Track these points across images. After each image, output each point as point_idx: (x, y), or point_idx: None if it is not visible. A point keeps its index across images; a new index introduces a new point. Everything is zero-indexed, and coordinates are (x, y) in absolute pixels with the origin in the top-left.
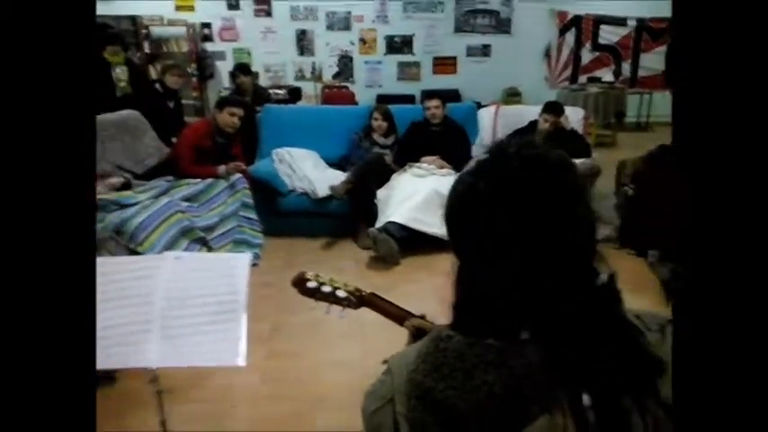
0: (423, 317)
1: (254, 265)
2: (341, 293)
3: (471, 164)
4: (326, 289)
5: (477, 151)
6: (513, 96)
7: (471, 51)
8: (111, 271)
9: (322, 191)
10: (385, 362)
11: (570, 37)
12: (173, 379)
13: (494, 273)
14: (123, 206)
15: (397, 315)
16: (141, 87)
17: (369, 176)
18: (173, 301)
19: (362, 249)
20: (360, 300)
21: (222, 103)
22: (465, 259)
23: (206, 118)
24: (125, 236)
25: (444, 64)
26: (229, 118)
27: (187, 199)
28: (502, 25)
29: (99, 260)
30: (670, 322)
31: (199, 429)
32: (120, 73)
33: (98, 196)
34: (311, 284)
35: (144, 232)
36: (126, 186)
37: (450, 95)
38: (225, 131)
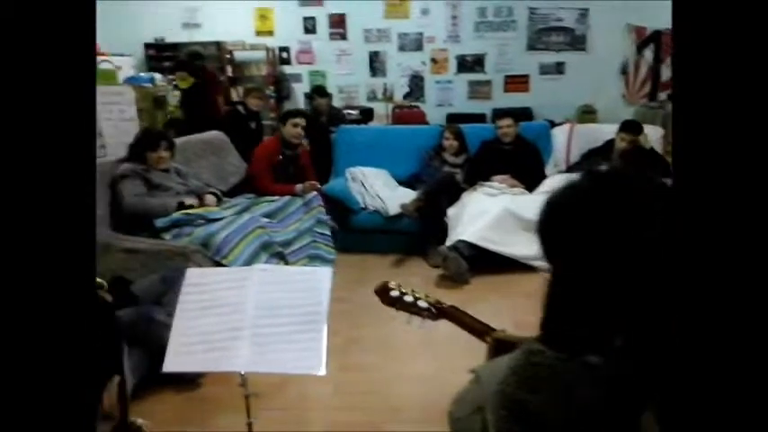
0: (503, 331)
1: None
2: (422, 304)
3: (564, 183)
4: (408, 299)
5: (551, 171)
6: (588, 114)
7: (544, 69)
8: (205, 281)
9: (393, 209)
10: (472, 371)
11: (648, 53)
12: (252, 386)
13: (589, 286)
14: (209, 221)
15: (476, 328)
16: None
17: (439, 195)
18: (261, 311)
19: (432, 267)
20: (440, 311)
21: (285, 117)
22: (560, 272)
23: (274, 136)
24: (211, 249)
25: (516, 82)
26: (293, 129)
27: (267, 215)
28: (576, 42)
29: (195, 270)
30: None
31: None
32: (171, 98)
33: (187, 211)
34: (394, 293)
35: (228, 246)
36: (217, 201)
37: (523, 114)
38: (291, 143)
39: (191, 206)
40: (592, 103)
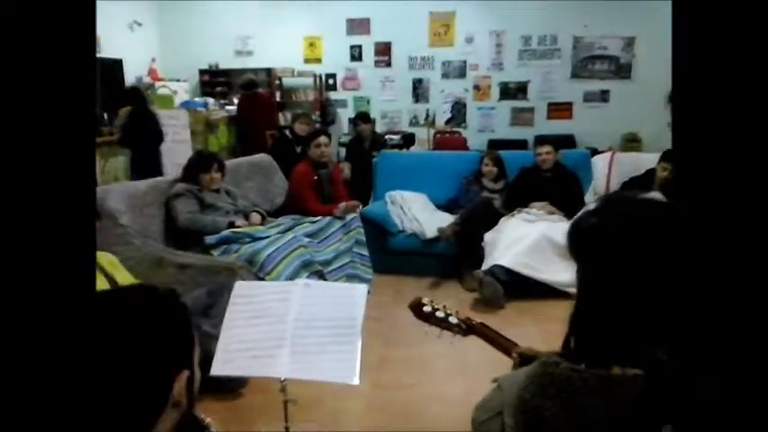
0: (529, 348)
1: None
2: (453, 320)
3: (597, 206)
4: (440, 314)
5: (590, 198)
6: (632, 142)
7: (588, 97)
8: (253, 293)
9: (430, 232)
10: (495, 380)
11: None
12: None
13: (612, 305)
14: (255, 239)
15: (503, 345)
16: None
17: (476, 220)
18: (302, 322)
19: (467, 291)
20: (469, 327)
21: (308, 140)
22: (587, 292)
23: (303, 160)
24: (256, 265)
25: (559, 109)
26: (316, 150)
27: (308, 235)
28: (621, 71)
29: (243, 283)
30: None
31: None
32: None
33: (235, 229)
34: (427, 309)
35: (272, 263)
36: (262, 220)
37: (565, 141)
38: (320, 162)
39: (238, 227)
40: (636, 131)
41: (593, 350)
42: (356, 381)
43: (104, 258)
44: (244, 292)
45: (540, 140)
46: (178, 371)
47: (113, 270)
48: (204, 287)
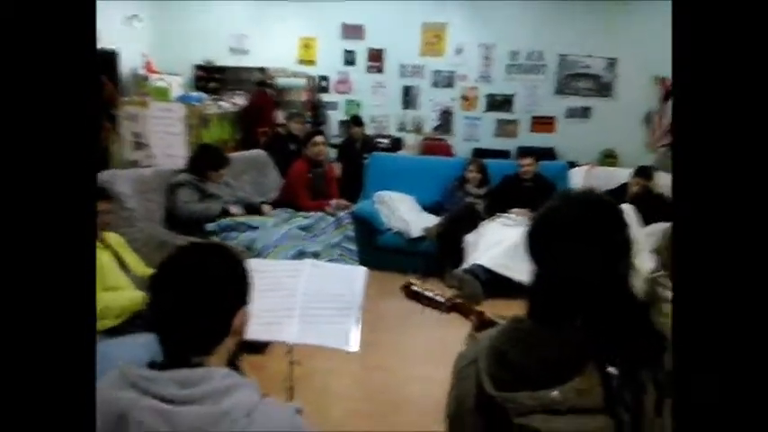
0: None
1: None
2: (438, 298)
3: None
4: (428, 294)
5: None
6: (609, 158)
7: (571, 112)
8: (267, 270)
9: (416, 231)
10: (471, 335)
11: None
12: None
13: (557, 277)
14: (252, 228)
15: (480, 320)
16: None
17: (459, 222)
18: (309, 296)
19: (448, 288)
20: (453, 305)
21: (307, 139)
22: (539, 267)
23: (300, 157)
24: (253, 252)
25: (542, 123)
26: (314, 148)
27: (302, 228)
28: (603, 89)
29: (258, 260)
30: None
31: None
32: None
33: (234, 218)
34: (415, 288)
35: (267, 251)
36: (256, 211)
37: (546, 153)
38: (317, 161)
39: (233, 214)
40: (614, 147)
41: (550, 310)
42: (355, 348)
43: (113, 238)
44: (259, 267)
45: (523, 152)
46: (239, 306)
47: (120, 249)
48: None
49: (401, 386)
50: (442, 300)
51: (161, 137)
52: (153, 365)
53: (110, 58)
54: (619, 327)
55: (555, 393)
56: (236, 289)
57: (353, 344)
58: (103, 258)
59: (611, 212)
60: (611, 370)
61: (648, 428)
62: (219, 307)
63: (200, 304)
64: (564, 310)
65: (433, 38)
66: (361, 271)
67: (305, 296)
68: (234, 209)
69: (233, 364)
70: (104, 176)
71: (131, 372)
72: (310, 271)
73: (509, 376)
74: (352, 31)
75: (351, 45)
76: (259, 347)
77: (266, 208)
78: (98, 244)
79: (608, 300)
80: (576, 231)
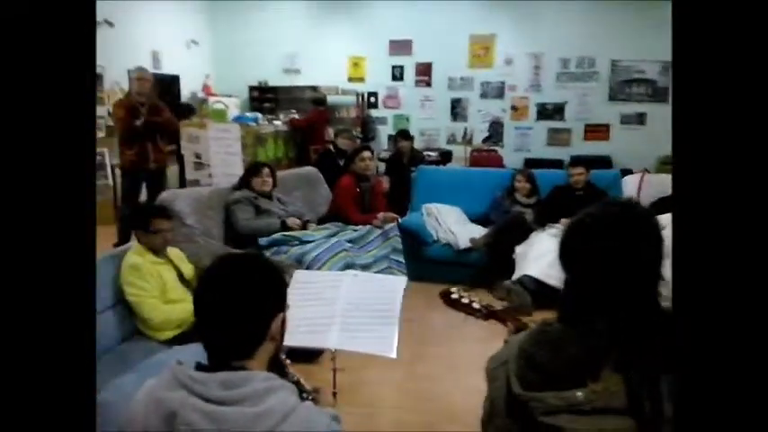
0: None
1: None
2: (475, 305)
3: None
4: (465, 301)
5: None
6: (667, 165)
7: (625, 119)
8: (310, 281)
9: (463, 243)
10: (506, 341)
11: None
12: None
13: (585, 282)
14: (303, 242)
15: (517, 327)
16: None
17: (508, 233)
18: (350, 305)
19: (497, 299)
20: (490, 313)
21: (354, 154)
22: (568, 272)
23: (348, 173)
24: (303, 265)
25: (596, 131)
26: (361, 163)
27: (350, 241)
28: (658, 94)
29: (302, 272)
30: None
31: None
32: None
33: (286, 233)
34: (454, 296)
35: (318, 264)
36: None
37: (601, 161)
38: (364, 175)
39: (290, 228)
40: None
41: (578, 313)
42: (393, 355)
43: (173, 252)
44: (303, 278)
45: (574, 161)
46: (276, 313)
47: (180, 263)
48: None
49: (448, 396)
50: (479, 307)
51: (220, 157)
52: (200, 367)
53: (171, 82)
54: (643, 332)
55: (579, 394)
56: (272, 296)
57: (392, 350)
58: (165, 273)
59: (641, 222)
60: (636, 377)
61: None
62: (257, 313)
63: (238, 311)
64: (590, 313)
65: (481, 50)
66: (401, 280)
67: (346, 305)
68: (290, 221)
69: (275, 367)
70: (165, 196)
71: (182, 372)
72: (351, 281)
73: (536, 377)
74: (400, 47)
75: (399, 61)
76: (310, 357)
77: (311, 226)
78: (160, 260)
79: (634, 306)
80: (604, 239)
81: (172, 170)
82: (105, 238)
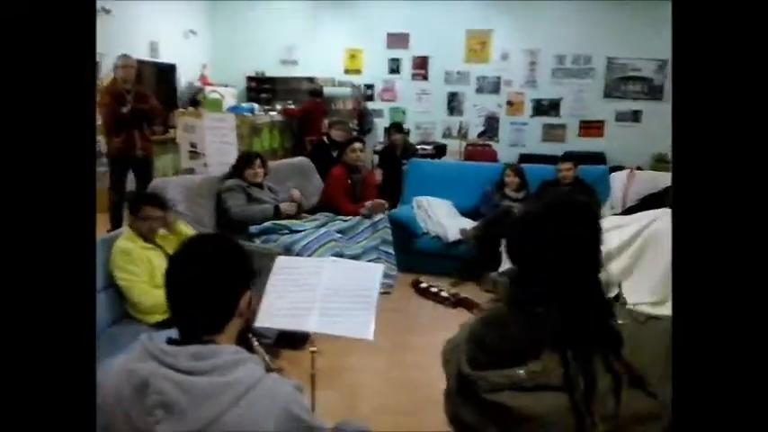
0: None
1: (386, 293)
2: (444, 294)
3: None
4: (433, 290)
5: (607, 212)
6: (661, 162)
7: (620, 116)
8: (291, 266)
9: (453, 235)
10: (460, 326)
11: None
12: (318, 369)
13: (530, 271)
14: (292, 231)
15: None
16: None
17: (496, 226)
18: (329, 290)
19: (484, 292)
20: (457, 301)
21: (345, 145)
22: (514, 263)
23: (339, 163)
24: (292, 254)
25: (591, 127)
26: (352, 154)
27: (340, 231)
28: (654, 92)
29: (284, 258)
30: (653, 318)
31: (335, 408)
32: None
33: (276, 222)
34: (423, 285)
35: (306, 253)
36: (297, 215)
37: (595, 158)
38: (355, 166)
39: (284, 213)
40: (666, 152)
41: (522, 299)
42: (371, 337)
43: (181, 227)
44: (285, 264)
45: (562, 157)
46: (243, 290)
47: (171, 250)
48: None
49: (430, 384)
50: (447, 295)
51: (215, 146)
52: (171, 341)
53: (169, 71)
54: (580, 315)
55: (521, 372)
56: (239, 274)
57: (369, 333)
58: (155, 258)
59: (579, 213)
60: (570, 354)
61: (599, 407)
62: (225, 291)
63: (207, 289)
64: (534, 298)
65: (478, 44)
66: (378, 267)
67: (325, 290)
68: (284, 205)
69: (242, 344)
70: (157, 183)
71: (153, 345)
72: (331, 267)
73: (484, 357)
74: (397, 40)
75: (396, 54)
76: (296, 343)
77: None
78: (150, 245)
79: (575, 291)
80: (544, 231)
81: (166, 158)
82: (101, 224)
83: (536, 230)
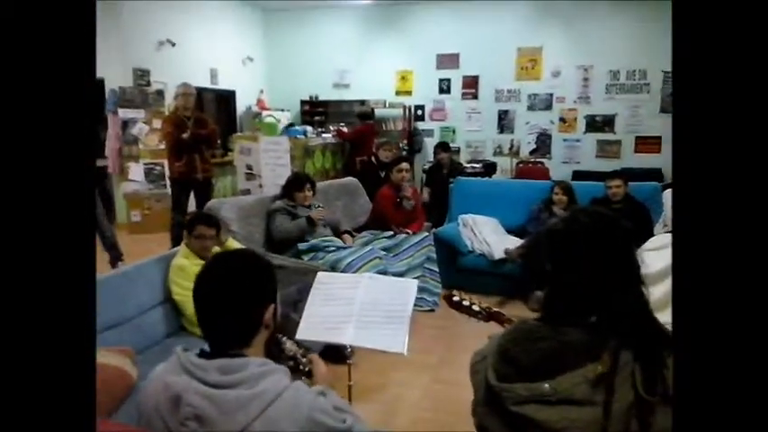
0: None
1: (431, 310)
2: (476, 308)
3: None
4: (466, 303)
5: (660, 229)
6: None
7: None
8: (330, 282)
9: (498, 254)
10: (489, 338)
11: None
12: (360, 384)
13: (558, 286)
14: (339, 248)
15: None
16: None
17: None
18: (366, 305)
19: (531, 311)
20: (489, 315)
21: (391, 166)
22: (554, 275)
23: (387, 184)
24: (337, 271)
25: (647, 143)
26: (398, 174)
27: (384, 249)
28: None
29: (324, 273)
30: None
31: (373, 420)
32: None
33: (322, 239)
34: (455, 299)
35: (351, 270)
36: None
37: (652, 174)
38: (401, 186)
39: (315, 220)
40: None
41: (551, 314)
42: (404, 351)
43: (233, 246)
44: (324, 279)
45: (612, 174)
46: (267, 303)
47: None
48: (295, 285)
49: (469, 400)
50: (479, 309)
51: (270, 168)
52: (202, 354)
53: (228, 96)
54: (610, 331)
55: (546, 386)
56: (263, 288)
57: (403, 347)
58: None
59: (611, 226)
60: (627, 356)
61: (623, 425)
62: (250, 305)
63: (232, 303)
64: (561, 312)
65: (529, 62)
66: (413, 283)
67: (361, 305)
68: (314, 213)
69: (273, 345)
70: (213, 204)
71: (185, 358)
72: (367, 283)
73: (511, 370)
74: (447, 61)
75: (446, 74)
76: (341, 358)
77: (345, 237)
78: (203, 262)
79: (609, 302)
80: (573, 248)
81: (225, 180)
82: (162, 243)
83: (558, 246)
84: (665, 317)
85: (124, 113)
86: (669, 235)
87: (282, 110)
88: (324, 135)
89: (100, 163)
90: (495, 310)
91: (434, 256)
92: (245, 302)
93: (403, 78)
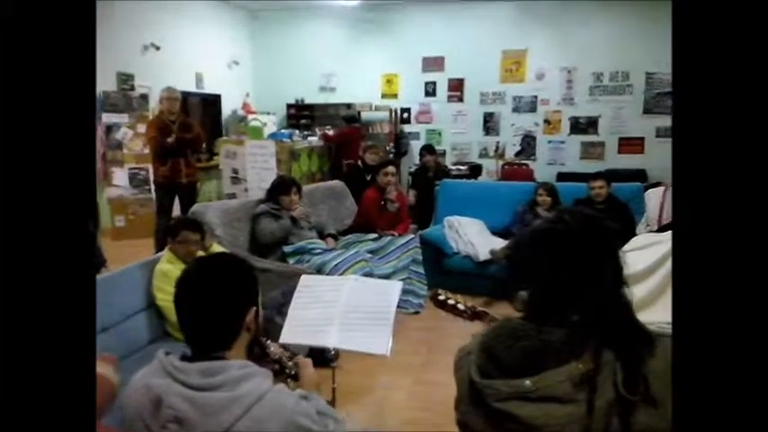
0: None
1: (416, 312)
2: (461, 307)
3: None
4: (451, 302)
5: (643, 230)
6: None
7: (661, 132)
8: (313, 284)
9: (483, 255)
10: (473, 335)
11: None
12: (345, 388)
13: (540, 285)
14: (324, 251)
15: None
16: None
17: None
18: (349, 307)
19: (517, 311)
20: (474, 314)
21: (378, 169)
22: (538, 275)
23: (372, 186)
24: (324, 273)
25: (631, 144)
26: (384, 177)
27: (370, 251)
28: None
29: (307, 276)
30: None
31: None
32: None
33: (307, 242)
34: (441, 298)
35: (338, 272)
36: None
37: (636, 175)
38: (386, 189)
39: (298, 222)
40: None
41: (535, 313)
42: (387, 353)
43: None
44: (307, 282)
45: (594, 175)
46: (249, 307)
47: None
48: (279, 289)
49: (452, 402)
50: (464, 308)
51: (256, 171)
52: (184, 357)
53: (214, 100)
54: (591, 331)
55: (527, 383)
56: (244, 292)
57: (386, 349)
58: None
59: (596, 226)
60: (580, 366)
61: (604, 423)
62: (231, 308)
63: (213, 306)
64: (543, 311)
65: (513, 64)
66: (396, 285)
67: (345, 307)
68: (296, 212)
69: (257, 348)
70: (197, 208)
71: (167, 362)
72: (351, 285)
73: (493, 366)
74: (433, 64)
75: (431, 77)
76: (327, 362)
77: (329, 240)
78: None
79: (592, 302)
80: (552, 243)
81: (211, 184)
82: (147, 248)
83: (541, 246)
84: (647, 316)
85: (108, 118)
86: (651, 235)
87: (268, 113)
88: (310, 138)
89: None
90: (480, 309)
91: (420, 258)
92: (225, 305)
93: (389, 81)
